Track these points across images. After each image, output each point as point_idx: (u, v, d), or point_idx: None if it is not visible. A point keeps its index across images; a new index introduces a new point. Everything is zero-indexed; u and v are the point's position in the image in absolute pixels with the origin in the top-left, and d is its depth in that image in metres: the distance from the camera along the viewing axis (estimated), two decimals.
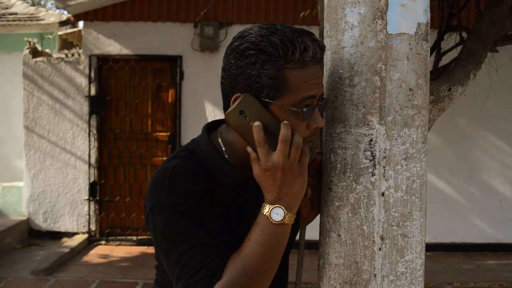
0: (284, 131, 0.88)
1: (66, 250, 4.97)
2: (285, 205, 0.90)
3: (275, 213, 0.90)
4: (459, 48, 2.77)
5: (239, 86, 0.92)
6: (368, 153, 0.94)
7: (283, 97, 0.90)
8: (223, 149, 1.01)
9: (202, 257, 0.89)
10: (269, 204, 0.90)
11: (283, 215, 0.89)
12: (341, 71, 0.97)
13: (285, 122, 0.89)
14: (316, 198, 1.07)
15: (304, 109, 0.91)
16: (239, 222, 0.95)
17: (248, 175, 0.95)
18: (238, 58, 0.91)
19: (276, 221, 0.89)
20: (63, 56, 5.67)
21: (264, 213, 0.90)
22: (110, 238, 5.53)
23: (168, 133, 5.55)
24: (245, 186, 0.99)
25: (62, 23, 5.98)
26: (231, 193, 0.98)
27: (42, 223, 5.55)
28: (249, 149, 0.93)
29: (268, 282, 0.92)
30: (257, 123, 0.89)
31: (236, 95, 0.92)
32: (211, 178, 0.97)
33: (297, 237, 1.15)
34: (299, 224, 1.11)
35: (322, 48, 0.93)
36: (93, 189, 5.50)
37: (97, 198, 5.52)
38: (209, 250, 0.89)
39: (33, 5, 7.59)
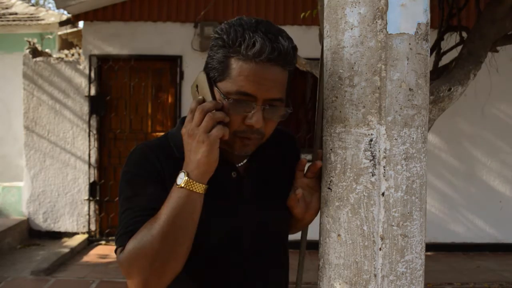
0: (206, 103, 0.94)
1: (66, 250, 4.98)
2: (188, 171, 0.94)
3: (179, 177, 0.95)
4: (459, 48, 2.78)
5: (205, 64, 1.01)
6: (368, 153, 0.94)
7: (222, 82, 0.96)
8: None
9: (130, 217, 0.97)
10: (182, 170, 0.96)
11: (183, 179, 0.93)
12: (341, 71, 0.97)
13: (217, 101, 0.95)
14: (313, 200, 1.07)
15: (231, 101, 0.94)
16: None
17: None
18: (211, 41, 1.00)
19: (177, 185, 0.94)
20: (63, 56, 5.68)
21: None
22: (110, 238, 5.53)
23: None
24: None
25: (62, 23, 5.99)
26: None
27: (42, 223, 5.55)
28: None
29: (175, 249, 0.93)
30: (199, 97, 0.97)
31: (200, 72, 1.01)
32: (168, 153, 1.05)
33: (295, 237, 1.15)
34: (283, 221, 1.14)
35: (281, 51, 0.93)
36: (93, 189, 5.50)
37: (97, 198, 5.53)
38: (136, 213, 0.97)
39: (33, 5, 7.59)
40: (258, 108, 0.95)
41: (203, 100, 0.96)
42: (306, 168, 1.08)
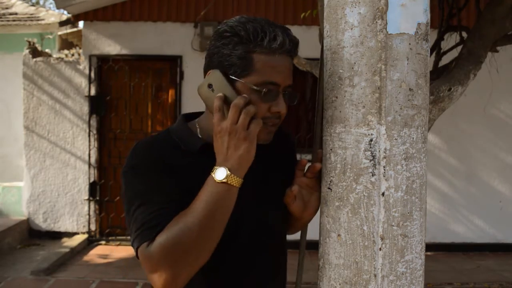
0: (237, 100, 0.96)
1: (66, 250, 4.97)
2: (229, 166, 0.96)
3: (219, 172, 0.96)
4: (459, 48, 2.77)
5: (213, 64, 1.02)
6: (368, 153, 0.94)
7: (248, 77, 0.99)
8: (198, 130, 1.10)
9: (149, 212, 0.97)
10: (217, 166, 0.97)
11: (225, 174, 0.95)
12: (341, 71, 0.97)
13: (243, 95, 0.97)
14: (311, 199, 1.08)
15: (264, 90, 0.98)
16: (200, 187, 0.99)
17: (211, 144, 1.02)
18: (217, 39, 1.01)
19: (218, 180, 0.95)
20: (63, 56, 5.68)
21: (212, 173, 0.97)
22: (110, 238, 5.53)
23: None
24: (210, 155, 1.02)
25: (62, 23, 5.99)
26: (193, 160, 1.06)
27: (42, 223, 5.55)
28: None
29: (209, 243, 0.96)
30: (219, 94, 0.98)
31: (210, 71, 1.02)
32: (173, 146, 1.07)
33: (294, 237, 1.15)
34: (281, 219, 1.15)
35: (294, 42, 1.01)
36: (93, 189, 5.50)
37: (97, 198, 5.52)
38: (155, 206, 0.97)
39: (33, 5, 7.59)
40: (281, 95, 1.02)
41: (225, 97, 0.98)
42: (306, 168, 1.08)
